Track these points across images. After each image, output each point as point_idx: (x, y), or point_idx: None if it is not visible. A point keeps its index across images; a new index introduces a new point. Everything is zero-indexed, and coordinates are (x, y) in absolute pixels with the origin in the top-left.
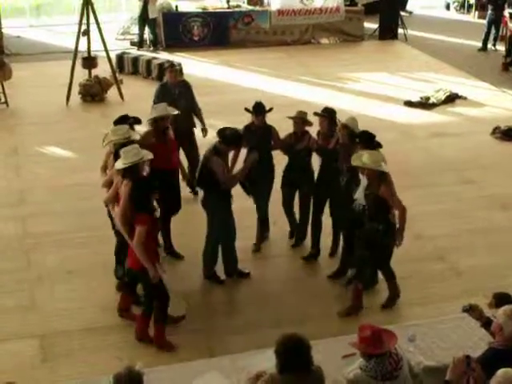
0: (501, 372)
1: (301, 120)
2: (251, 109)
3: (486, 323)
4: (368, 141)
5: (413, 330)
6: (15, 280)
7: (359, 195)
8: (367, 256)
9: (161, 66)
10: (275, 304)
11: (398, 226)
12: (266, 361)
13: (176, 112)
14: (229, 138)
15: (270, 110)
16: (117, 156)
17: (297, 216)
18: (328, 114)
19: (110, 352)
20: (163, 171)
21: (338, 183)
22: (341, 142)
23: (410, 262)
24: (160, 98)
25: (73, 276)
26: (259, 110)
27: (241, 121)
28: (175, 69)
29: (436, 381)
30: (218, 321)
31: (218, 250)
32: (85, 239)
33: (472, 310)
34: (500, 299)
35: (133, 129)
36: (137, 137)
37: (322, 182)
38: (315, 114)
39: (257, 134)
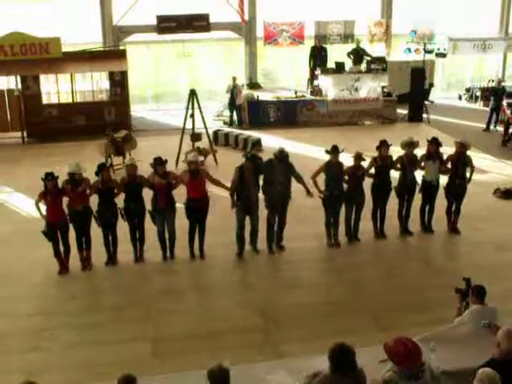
0: (480, 370)
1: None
2: (330, 149)
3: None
4: None
5: (434, 343)
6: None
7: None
8: None
9: (245, 140)
10: (327, 320)
11: None
12: (322, 363)
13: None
14: (250, 158)
15: (342, 150)
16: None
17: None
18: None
19: (207, 354)
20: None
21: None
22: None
23: None
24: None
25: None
26: (335, 150)
27: (302, 174)
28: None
29: (453, 382)
30: (284, 331)
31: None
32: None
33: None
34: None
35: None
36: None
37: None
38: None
39: (334, 167)
